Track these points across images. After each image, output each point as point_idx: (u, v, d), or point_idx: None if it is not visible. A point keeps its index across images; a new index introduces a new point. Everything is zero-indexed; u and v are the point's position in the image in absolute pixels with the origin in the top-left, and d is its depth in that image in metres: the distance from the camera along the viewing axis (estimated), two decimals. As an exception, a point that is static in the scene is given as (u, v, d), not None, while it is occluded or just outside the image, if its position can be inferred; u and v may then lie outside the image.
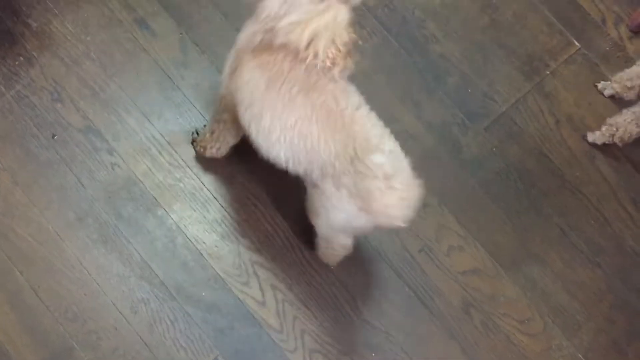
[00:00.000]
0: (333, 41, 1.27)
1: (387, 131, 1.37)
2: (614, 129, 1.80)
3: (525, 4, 1.98)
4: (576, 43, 1.96)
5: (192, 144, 1.75)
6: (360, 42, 1.34)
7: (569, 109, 1.90)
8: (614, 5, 2.00)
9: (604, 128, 1.82)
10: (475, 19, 1.96)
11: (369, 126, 1.34)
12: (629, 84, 1.82)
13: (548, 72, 1.92)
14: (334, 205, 1.38)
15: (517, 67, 1.92)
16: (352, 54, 1.32)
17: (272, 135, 1.38)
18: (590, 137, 1.85)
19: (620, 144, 1.82)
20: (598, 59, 1.95)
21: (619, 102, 1.90)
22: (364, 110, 1.37)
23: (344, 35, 1.28)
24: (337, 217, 1.40)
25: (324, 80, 1.33)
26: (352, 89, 1.39)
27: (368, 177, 1.28)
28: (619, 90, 1.86)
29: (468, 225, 1.78)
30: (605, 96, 1.90)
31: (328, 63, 1.28)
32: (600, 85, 1.91)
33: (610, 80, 1.88)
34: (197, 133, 1.75)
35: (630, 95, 1.84)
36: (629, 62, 1.94)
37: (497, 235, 1.78)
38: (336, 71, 1.31)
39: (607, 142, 1.83)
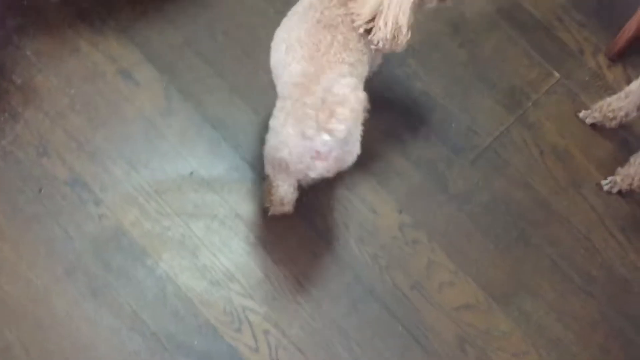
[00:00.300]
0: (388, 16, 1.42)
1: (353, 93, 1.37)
2: (631, 179, 1.80)
3: (504, 38, 2.01)
4: (556, 74, 1.98)
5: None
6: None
7: (553, 139, 1.91)
8: (591, 36, 2.03)
9: (618, 178, 1.83)
10: (456, 54, 1.99)
11: (340, 79, 1.37)
12: (610, 114, 1.84)
13: (530, 104, 1.94)
14: (275, 127, 1.46)
15: (499, 100, 1.94)
16: (403, 35, 1.45)
17: (276, 42, 1.52)
18: (607, 186, 1.85)
19: None
20: (578, 88, 1.97)
21: (600, 131, 1.92)
22: (348, 70, 1.43)
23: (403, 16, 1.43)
24: (272, 140, 1.48)
25: (341, 28, 1.45)
26: (358, 58, 1.47)
27: (305, 105, 1.35)
28: (600, 119, 1.88)
29: (458, 260, 1.78)
30: (587, 124, 1.92)
31: (360, 26, 1.44)
32: (581, 115, 1.92)
33: (591, 109, 1.91)
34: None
35: (611, 124, 1.86)
36: (608, 90, 1.97)
37: (488, 268, 1.78)
38: (365, 34, 1.45)
39: (623, 190, 1.84)
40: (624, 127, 1.92)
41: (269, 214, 1.74)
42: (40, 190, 1.75)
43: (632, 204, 1.86)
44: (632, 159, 1.79)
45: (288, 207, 1.72)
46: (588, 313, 1.76)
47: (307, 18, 1.46)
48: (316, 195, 1.78)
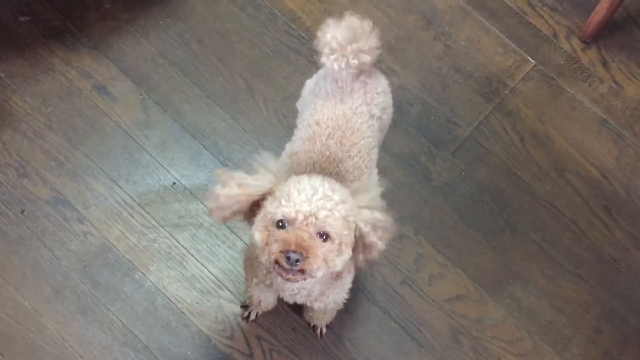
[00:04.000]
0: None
1: None
2: None
3: (477, 27, 2.02)
4: (531, 60, 1.99)
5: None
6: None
7: (532, 125, 1.92)
8: (563, 19, 2.04)
9: None
10: (430, 47, 1.99)
11: None
12: None
13: (507, 92, 1.95)
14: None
15: (477, 89, 1.95)
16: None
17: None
18: None
19: None
20: (554, 73, 1.98)
21: (579, 113, 1.93)
22: None
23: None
24: None
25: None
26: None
27: None
28: None
29: (446, 252, 1.78)
30: (565, 108, 1.93)
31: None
32: None
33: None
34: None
35: None
36: (584, 72, 1.98)
37: (477, 258, 1.79)
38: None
39: None
40: (602, 107, 1.93)
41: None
42: (22, 212, 1.74)
43: (615, 183, 1.87)
44: None
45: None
46: (579, 295, 1.76)
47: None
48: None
